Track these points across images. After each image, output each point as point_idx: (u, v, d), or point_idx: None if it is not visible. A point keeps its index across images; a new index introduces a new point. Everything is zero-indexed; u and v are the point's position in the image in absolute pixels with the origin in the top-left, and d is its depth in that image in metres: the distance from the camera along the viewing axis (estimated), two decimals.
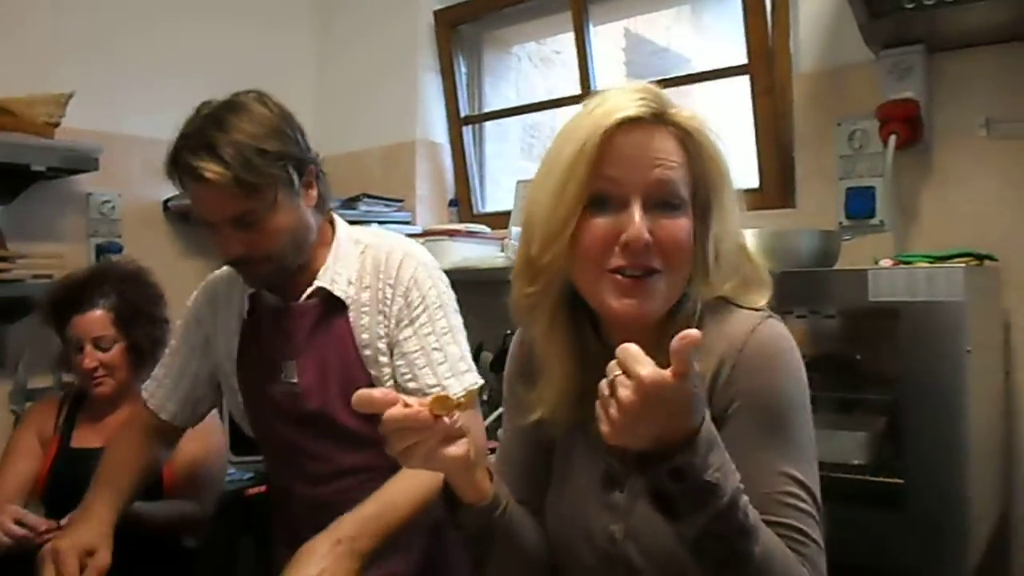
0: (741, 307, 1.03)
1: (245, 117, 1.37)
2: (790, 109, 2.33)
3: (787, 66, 2.36)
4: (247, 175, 1.33)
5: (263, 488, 2.49)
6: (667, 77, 2.86)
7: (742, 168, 2.59)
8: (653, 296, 0.98)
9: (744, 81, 2.48)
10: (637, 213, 0.96)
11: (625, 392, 0.80)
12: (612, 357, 0.87)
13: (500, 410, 2.31)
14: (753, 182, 2.52)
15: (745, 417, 0.96)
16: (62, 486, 1.92)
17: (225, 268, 1.64)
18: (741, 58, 2.47)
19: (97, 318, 1.97)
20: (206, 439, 1.97)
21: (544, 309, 1.05)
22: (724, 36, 2.67)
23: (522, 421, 1.13)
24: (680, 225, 0.98)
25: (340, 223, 1.58)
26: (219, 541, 2.20)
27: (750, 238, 1.83)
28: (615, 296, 0.98)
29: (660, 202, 0.97)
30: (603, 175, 0.97)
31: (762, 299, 1.04)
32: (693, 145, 0.99)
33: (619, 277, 0.97)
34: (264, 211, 1.38)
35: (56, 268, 2.41)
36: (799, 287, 1.70)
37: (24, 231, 2.61)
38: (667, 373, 0.80)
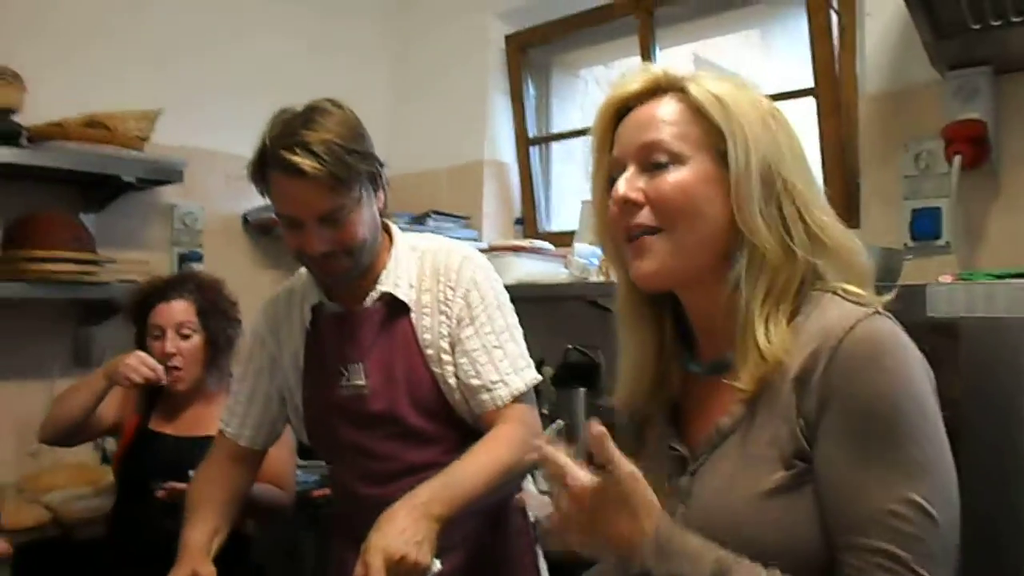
0: (848, 300, 0.93)
1: (331, 118, 1.43)
2: (856, 130, 2.34)
3: (853, 87, 2.37)
4: (339, 171, 1.39)
5: (327, 491, 2.58)
6: None
7: None
8: (654, 254, 0.96)
9: (812, 102, 2.50)
10: (625, 180, 0.97)
11: (564, 503, 0.84)
12: (687, 345, 0.92)
13: (559, 422, 2.35)
14: None
15: (841, 423, 0.86)
16: (136, 462, 2.07)
17: (280, 290, 1.70)
18: (809, 80, 2.49)
19: (182, 307, 2.11)
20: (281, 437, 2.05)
21: (620, 296, 1.07)
22: (793, 59, 2.68)
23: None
24: (667, 179, 0.95)
25: (395, 230, 1.64)
26: (279, 532, 2.30)
27: None
28: (631, 262, 0.99)
29: (649, 163, 0.97)
30: (612, 159, 1.01)
31: (865, 288, 0.96)
32: (698, 99, 0.97)
33: (629, 244, 0.99)
34: (350, 207, 1.44)
35: (141, 273, 2.54)
36: None
37: (113, 238, 2.77)
38: (592, 481, 0.83)
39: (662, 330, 1.06)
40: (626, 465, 0.86)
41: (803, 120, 2.57)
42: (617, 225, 0.99)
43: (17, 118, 2.41)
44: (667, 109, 0.98)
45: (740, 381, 0.93)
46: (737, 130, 0.95)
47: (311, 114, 1.43)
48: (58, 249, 2.44)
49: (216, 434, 1.72)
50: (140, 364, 1.92)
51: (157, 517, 1.92)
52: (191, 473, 1.71)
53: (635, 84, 1.01)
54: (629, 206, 0.96)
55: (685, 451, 1.01)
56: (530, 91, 3.32)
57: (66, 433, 2.08)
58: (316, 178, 1.38)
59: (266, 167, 1.44)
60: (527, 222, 3.26)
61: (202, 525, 1.56)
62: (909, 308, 1.62)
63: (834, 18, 2.43)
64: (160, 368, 1.93)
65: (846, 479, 0.85)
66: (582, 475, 0.84)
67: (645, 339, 1.06)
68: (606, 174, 1.02)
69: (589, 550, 0.85)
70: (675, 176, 0.95)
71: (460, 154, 3.32)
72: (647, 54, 2.88)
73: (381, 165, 1.52)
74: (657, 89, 1.00)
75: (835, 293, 0.94)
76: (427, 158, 3.38)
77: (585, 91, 3.52)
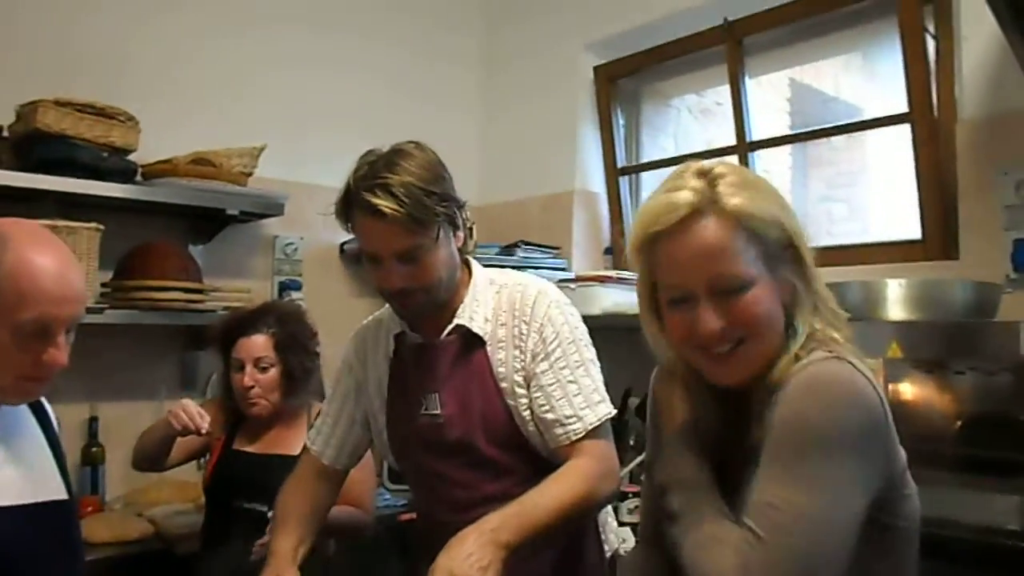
0: (825, 350, 1.06)
1: (412, 161, 1.49)
2: (953, 157, 2.25)
3: (951, 114, 2.29)
4: (418, 212, 1.45)
5: (414, 515, 2.63)
6: (826, 127, 2.83)
7: (903, 219, 2.51)
8: (744, 363, 1.08)
9: (907, 129, 2.42)
10: (704, 311, 1.06)
11: None
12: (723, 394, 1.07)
13: (644, 454, 2.33)
14: (915, 233, 2.43)
15: (769, 440, 1.02)
16: (223, 480, 2.18)
17: (370, 319, 1.77)
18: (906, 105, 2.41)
19: (260, 342, 2.20)
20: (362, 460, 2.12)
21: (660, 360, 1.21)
22: (897, 83, 2.60)
23: None
24: (748, 301, 1.05)
25: (475, 265, 1.67)
26: (359, 555, 2.36)
27: (896, 288, 1.82)
28: (711, 368, 1.10)
29: (724, 290, 1.05)
30: (666, 283, 1.10)
31: (838, 334, 1.09)
32: (744, 222, 1.05)
33: (710, 352, 1.08)
34: (428, 247, 1.49)
35: (245, 301, 2.67)
36: (949, 339, 1.64)
37: (218, 268, 2.92)
38: None
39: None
40: None
41: (901, 146, 2.49)
42: (691, 343, 1.09)
43: (132, 157, 2.59)
44: (719, 235, 1.05)
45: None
46: (791, 230, 1.08)
47: (394, 157, 1.49)
48: (168, 279, 2.59)
49: (303, 450, 1.80)
50: (180, 412, 2.01)
51: (241, 532, 2.02)
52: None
53: (673, 217, 1.06)
54: (716, 337, 1.06)
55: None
56: (619, 121, 3.33)
57: (148, 464, 2.24)
58: (395, 219, 1.44)
59: (350, 206, 1.51)
60: (617, 252, 3.26)
61: (289, 535, 1.64)
62: (1005, 345, 1.57)
63: (930, 42, 2.36)
64: (200, 420, 2.00)
65: (758, 476, 1.01)
66: None
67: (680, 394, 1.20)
68: (651, 293, 1.14)
69: None
70: (754, 295, 1.05)
71: (550, 184, 3.35)
72: (736, 82, 2.85)
73: (461, 206, 1.57)
74: (694, 212, 1.06)
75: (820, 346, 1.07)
76: (517, 188, 3.43)
77: (677, 120, 3.50)
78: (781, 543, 0.97)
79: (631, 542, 2.12)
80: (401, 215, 1.43)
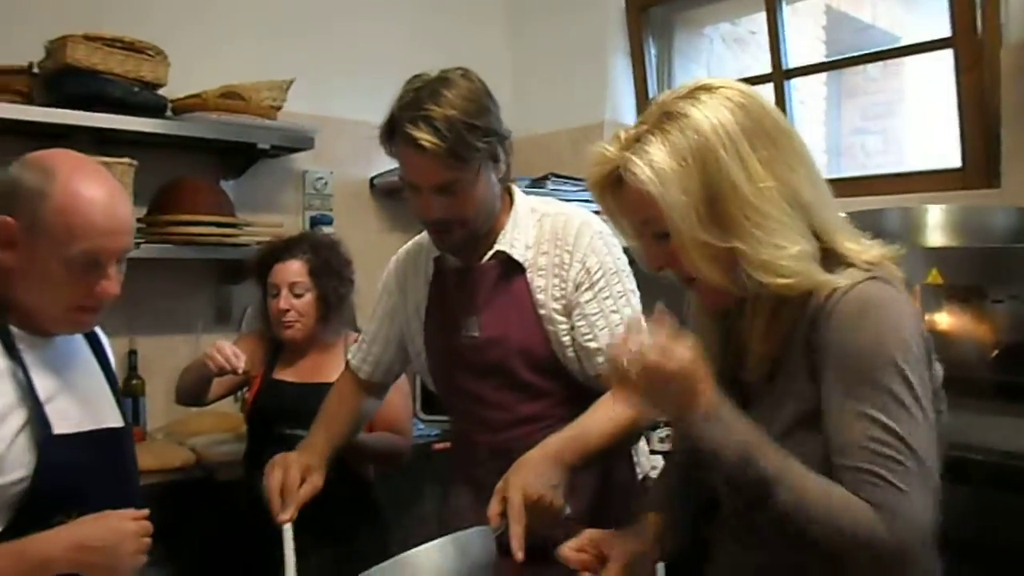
0: (854, 265, 1.07)
1: (456, 92, 1.46)
2: (997, 83, 2.20)
3: (995, 38, 2.22)
4: (458, 148, 1.44)
5: (448, 444, 2.68)
6: (865, 52, 2.77)
7: (939, 150, 2.47)
8: (705, 296, 1.15)
9: (949, 55, 2.36)
10: (650, 252, 1.14)
11: (636, 369, 1.00)
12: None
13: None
14: (955, 161, 2.39)
15: (835, 371, 1.03)
16: (264, 409, 2.24)
17: (411, 243, 1.79)
18: (947, 31, 2.35)
19: (296, 267, 2.24)
20: (398, 386, 2.16)
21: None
22: (936, 11, 2.53)
23: None
24: (671, 251, 1.09)
25: (517, 192, 1.67)
26: (398, 480, 2.43)
27: (937, 213, 1.80)
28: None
29: (657, 235, 1.11)
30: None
31: (859, 245, 1.10)
32: (637, 187, 1.07)
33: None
34: (467, 181, 1.49)
35: (276, 236, 2.64)
36: (989, 266, 1.63)
37: (249, 203, 2.93)
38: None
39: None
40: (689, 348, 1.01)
41: (941, 74, 2.44)
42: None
43: (162, 91, 2.58)
44: (637, 200, 1.09)
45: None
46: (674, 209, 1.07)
47: (439, 86, 1.47)
48: (201, 214, 2.62)
49: (345, 367, 1.87)
50: (216, 353, 2.05)
51: None
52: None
53: (594, 173, 1.14)
54: (663, 272, 1.15)
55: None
56: (651, 50, 3.27)
57: (190, 400, 2.32)
58: (435, 153, 1.43)
59: (393, 134, 1.50)
60: None
61: (324, 430, 1.74)
62: None
63: None
64: (236, 360, 2.04)
65: (837, 414, 1.03)
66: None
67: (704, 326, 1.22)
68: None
69: (651, 410, 1.05)
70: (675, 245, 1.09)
71: (581, 116, 3.31)
72: (772, 9, 2.78)
73: (505, 137, 1.55)
74: (614, 170, 1.11)
75: (838, 253, 1.08)
76: (547, 121, 3.39)
77: (710, 49, 3.44)
78: (901, 471, 0.98)
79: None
80: (441, 149, 1.42)
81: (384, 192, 3.23)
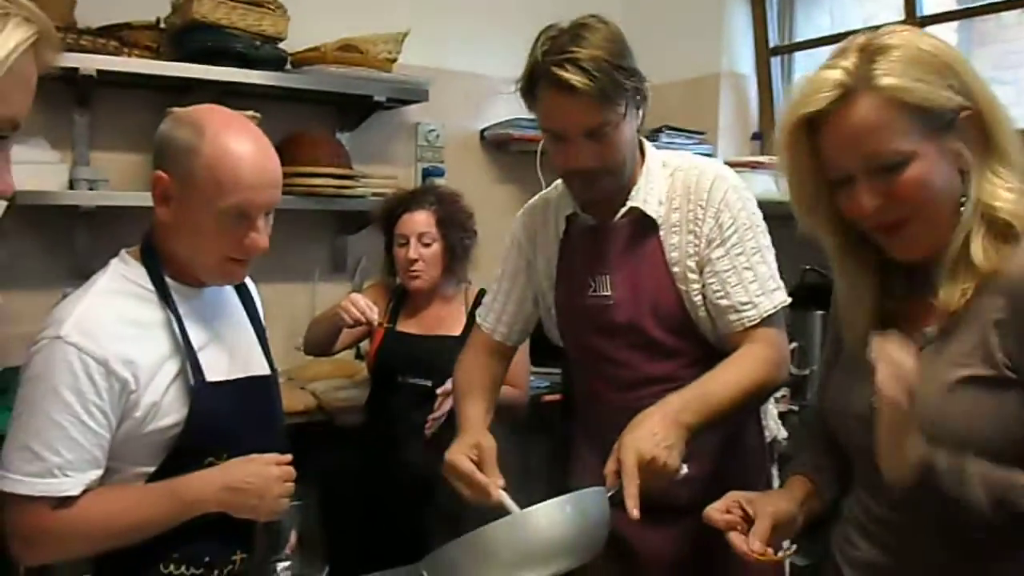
0: None
1: (597, 34, 1.43)
2: None
3: None
4: (609, 87, 1.40)
5: (558, 396, 2.70)
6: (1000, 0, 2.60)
7: None
8: (913, 241, 1.08)
9: None
10: (861, 190, 1.06)
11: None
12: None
13: (791, 344, 2.30)
14: None
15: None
16: (388, 359, 2.31)
17: (536, 198, 1.76)
18: None
19: (423, 218, 2.28)
20: None
21: (832, 248, 1.20)
22: None
23: None
24: (906, 180, 1.03)
25: (648, 146, 1.64)
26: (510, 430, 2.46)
27: None
28: (887, 244, 1.11)
29: (880, 168, 1.04)
30: (827, 164, 1.09)
31: None
32: (901, 97, 1.02)
33: (880, 229, 1.09)
34: (616, 123, 1.45)
35: (391, 187, 2.72)
36: None
37: (365, 155, 2.98)
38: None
39: (871, 267, 1.18)
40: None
41: None
42: (860, 223, 1.11)
43: (281, 45, 2.62)
44: (870, 114, 1.03)
45: (947, 299, 1.06)
46: (948, 99, 1.03)
47: (579, 30, 1.44)
48: (320, 165, 2.67)
49: (474, 328, 1.84)
50: (351, 306, 2.10)
51: (406, 408, 2.20)
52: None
53: (822, 99, 1.06)
54: (872, 217, 1.07)
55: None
56: None
57: (319, 351, 2.40)
58: (585, 93, 1.39)
59: (536, 83, 1.46)
60: (766, 137, 3.13)
61: (477, 403, 1.67)
62: None
63: None
64: (371, 312, 2.10)
65: None
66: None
67: (856, 280, 1.19)
68: (812, 175, 1.12)
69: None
70: (911, 174, 1.03)
71: (695, 66, 3.22)
72: None
73: (645, 80, 1.51)
74: (846, 93, 1.05)
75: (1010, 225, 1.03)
76: (660, 71, 3.22)
77: None
78: None
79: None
80: (592, 89, 1.39)
81: (494, 144, 3.23)
